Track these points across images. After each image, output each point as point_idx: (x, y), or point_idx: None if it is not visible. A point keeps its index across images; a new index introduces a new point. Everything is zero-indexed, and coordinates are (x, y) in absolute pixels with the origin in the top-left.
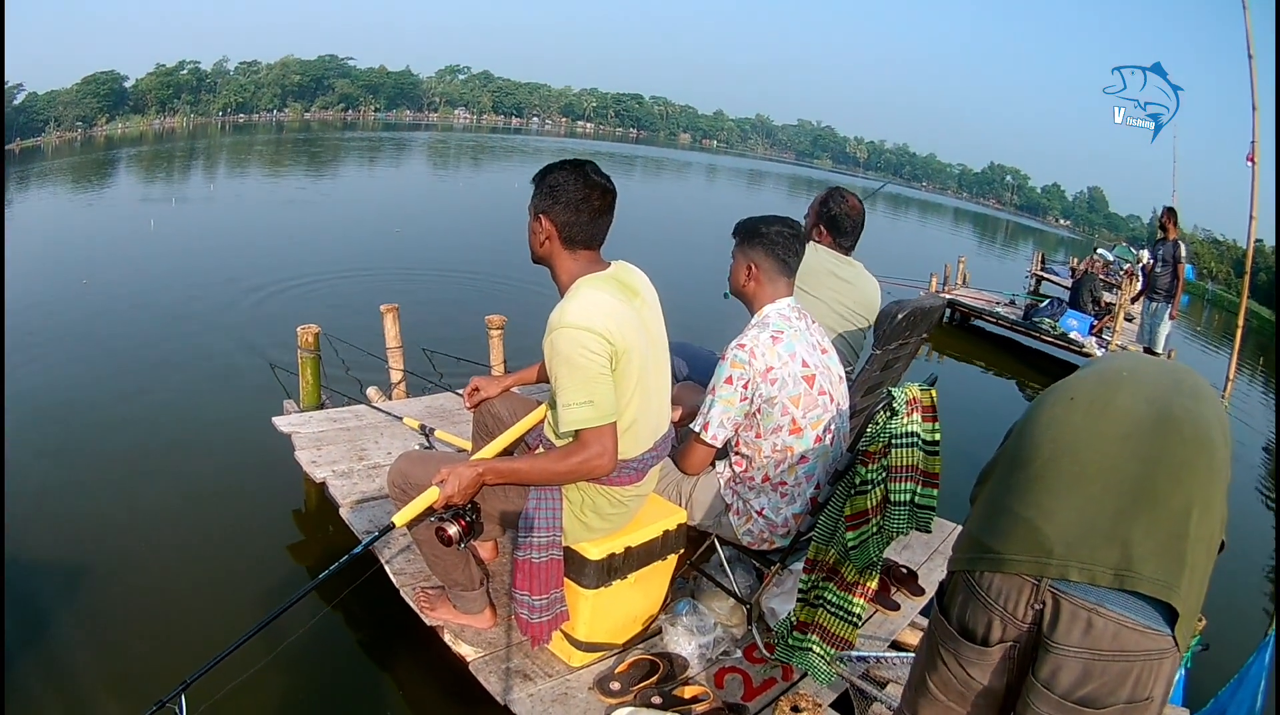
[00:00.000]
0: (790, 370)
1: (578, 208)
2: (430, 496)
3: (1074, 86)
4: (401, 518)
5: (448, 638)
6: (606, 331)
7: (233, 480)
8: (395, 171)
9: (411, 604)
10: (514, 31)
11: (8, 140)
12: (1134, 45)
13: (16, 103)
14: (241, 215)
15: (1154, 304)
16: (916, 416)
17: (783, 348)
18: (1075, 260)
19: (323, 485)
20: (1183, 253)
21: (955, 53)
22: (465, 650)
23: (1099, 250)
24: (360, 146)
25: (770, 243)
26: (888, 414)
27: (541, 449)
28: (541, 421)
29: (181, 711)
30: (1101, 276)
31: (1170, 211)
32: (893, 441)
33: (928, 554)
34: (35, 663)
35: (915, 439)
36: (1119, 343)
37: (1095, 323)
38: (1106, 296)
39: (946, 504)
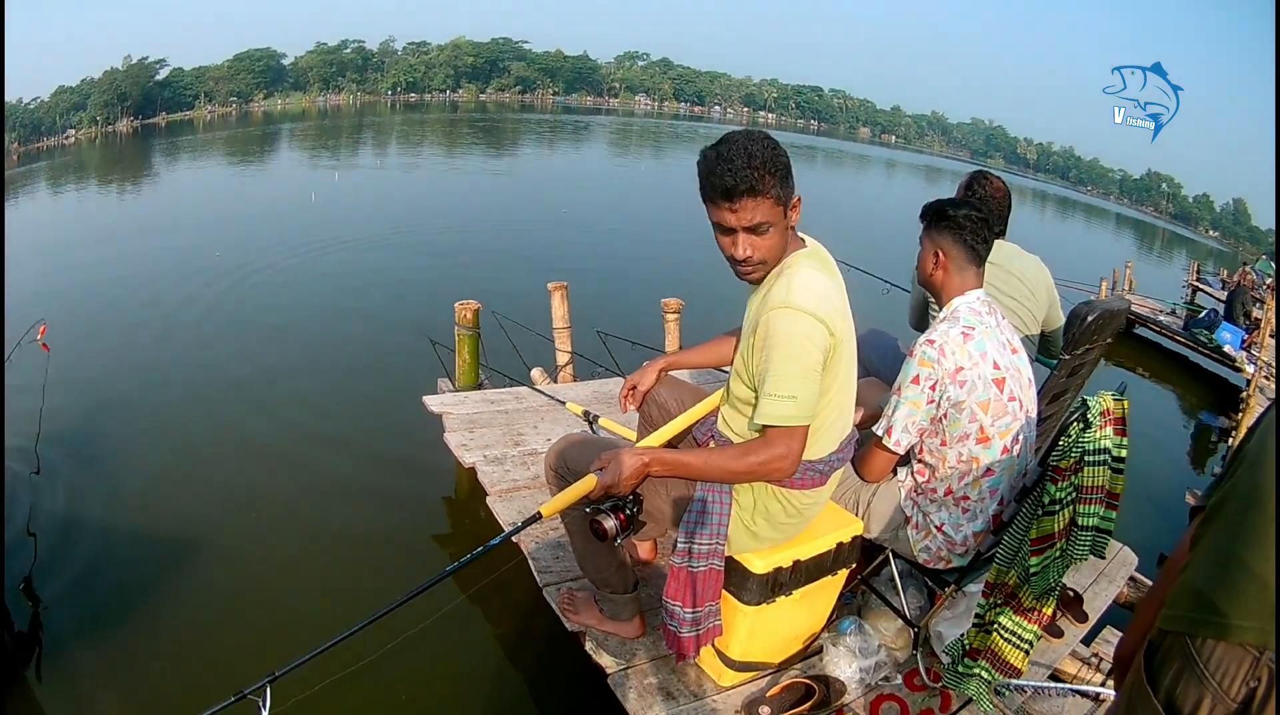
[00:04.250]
0: (981, 372)
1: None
2: (588, 485)
3: (1234, 91)
4: (550, 507)
5: (589, 645)
6: (829, 320)
7: (381, 460)
8: (574, 155)
9: (554, 605)
10: (692, 19)
11: (153, 115)
12: None
13: (160, 78)
14: (411, 190)
15: None
16: (1109, 430)
17: (973, 346)
18: (1225, 272)
19: (472, 470)
20: None
21: (1120, 55)
22: (606, 660)
23: (1248, 265)
24: (539, 129)
25: (958, 227)
26: (1081, 426)
27: (714, 443)
28: (714, 412)
29: (265, 704)
30: (1252, 291)
31: None
32: (1085, 458)
33: (1094, 576)
34: (133, 634)
35: (1106, 456)
36: (1266, 359)
37: (1245, 337)
38: (1256, 311)
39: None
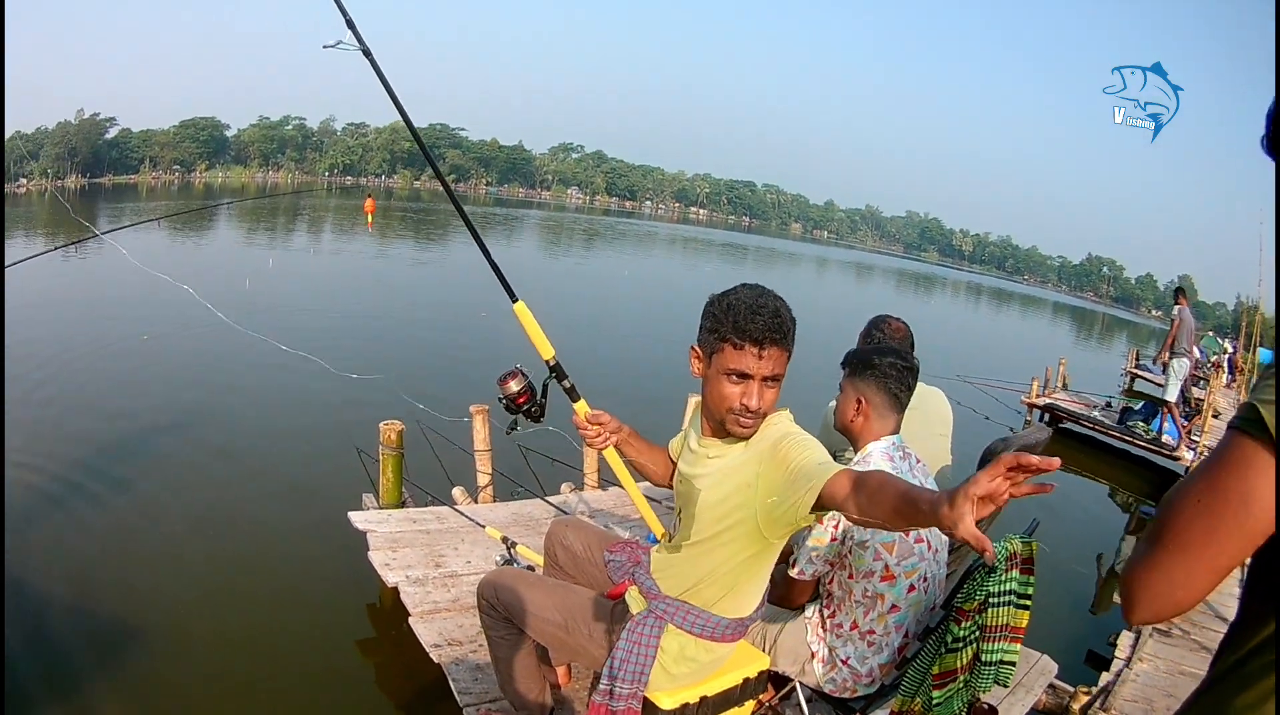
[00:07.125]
0: None
1: None
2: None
3: (1175, 168)
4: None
5: None
6: None
7: (309, 565)
8: (504, 252)
9: None
10: (628, 112)
11: (100, 174)
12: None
13: (109, 137)
14: (340, 283)
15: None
16: (1014, 572)
17: None
18: (1167, 356)
19: (395, 589)
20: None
21: (1061, 143)
22: None
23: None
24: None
25: (883, 375)
26: (986, 570)
27: (634, 589)
28: (621, 548)
29: None
30: (1194, 371)
31: (1180, 291)
32: (989, 600)
33: (1010, 687)
34: None
35: (1011, 596)
36: (1207, 443)
37: (1185, 423)
38: (1197, 392)
39: (1032, 634)
